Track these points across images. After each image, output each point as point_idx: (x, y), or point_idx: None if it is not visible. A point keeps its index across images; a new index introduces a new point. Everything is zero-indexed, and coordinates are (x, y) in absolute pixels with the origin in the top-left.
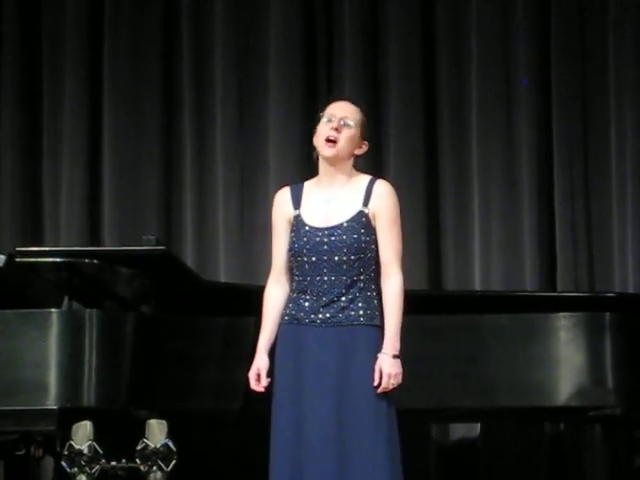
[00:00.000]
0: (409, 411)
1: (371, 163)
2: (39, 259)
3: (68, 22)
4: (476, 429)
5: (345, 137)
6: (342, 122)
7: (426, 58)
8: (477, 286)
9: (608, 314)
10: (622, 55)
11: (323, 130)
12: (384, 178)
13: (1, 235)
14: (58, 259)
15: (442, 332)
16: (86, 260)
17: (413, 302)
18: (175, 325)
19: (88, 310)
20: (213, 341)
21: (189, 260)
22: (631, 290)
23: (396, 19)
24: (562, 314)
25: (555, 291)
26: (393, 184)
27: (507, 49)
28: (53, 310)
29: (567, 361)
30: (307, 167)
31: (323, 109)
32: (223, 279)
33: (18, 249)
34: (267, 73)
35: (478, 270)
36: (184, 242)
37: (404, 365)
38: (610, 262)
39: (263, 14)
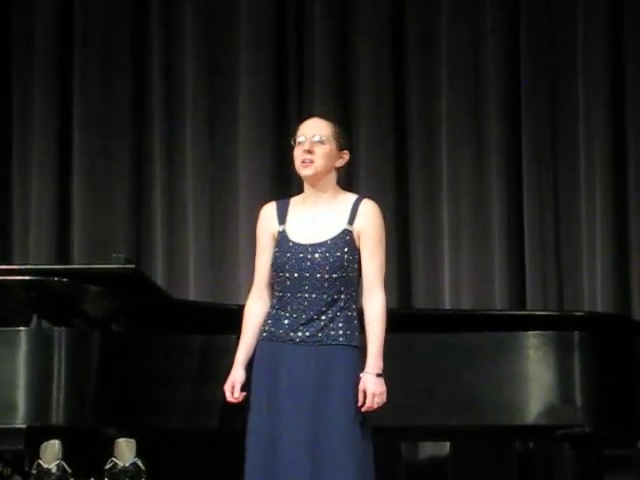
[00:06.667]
0: (379, 429)
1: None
2: (8, 277)
3: (37, 48)
4: (445, 447)
5: (319, 155)
6: (313, 140)
7: (396, 66)
8: (447, 304)
9: (577, 333)
10: (591, 65)
11: (297, 153)
12: (370, 197)
13: None
14: (27, 277)
15: (411, 350)
16: (55, 278)
17: None
18: (144, 343)
19: (57, 328)
20: (182, 359)
21: (158, 279)
22: (600, 309)
23: (367, 34)
24: (531, 332)
25: (524, 310)
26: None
27: (477, 72)
28: (22, 328)
29: (536, 379)
30: (276, 189)
31: (295, 131)
32: (192, 298)
33: None
34: (237, 97)
35: (448, 288)
36: (154, 261)
37: None
38: (579, 281)
39: (234, 28)
